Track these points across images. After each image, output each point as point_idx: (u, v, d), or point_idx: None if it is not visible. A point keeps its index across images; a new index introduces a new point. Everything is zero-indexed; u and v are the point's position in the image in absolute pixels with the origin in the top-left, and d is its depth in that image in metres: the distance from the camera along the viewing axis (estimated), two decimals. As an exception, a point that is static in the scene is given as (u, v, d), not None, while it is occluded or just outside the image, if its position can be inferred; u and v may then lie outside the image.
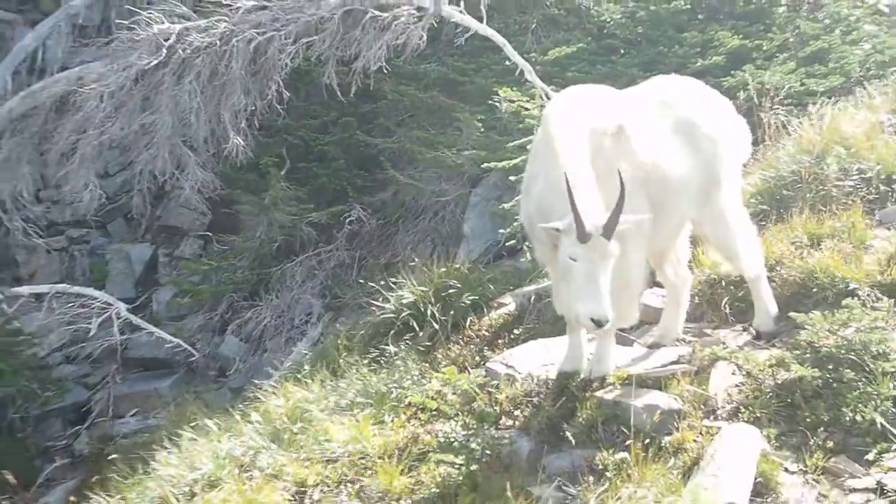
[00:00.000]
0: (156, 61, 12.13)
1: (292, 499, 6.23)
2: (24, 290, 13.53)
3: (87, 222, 15.44)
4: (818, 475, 5.41)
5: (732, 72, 10.68)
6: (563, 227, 5.46)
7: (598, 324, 5.47)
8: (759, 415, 5.84)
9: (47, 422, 13.14)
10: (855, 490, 5.28)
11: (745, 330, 6.87)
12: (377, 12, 11.49)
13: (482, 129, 11.03)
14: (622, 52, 11.69)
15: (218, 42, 11.96)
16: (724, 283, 7.28)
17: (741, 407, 5.94)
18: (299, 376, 8.28)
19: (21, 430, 12.80)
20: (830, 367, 5.83)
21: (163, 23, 12.25)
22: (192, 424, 8.01)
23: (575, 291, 5.56)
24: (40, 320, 13.33)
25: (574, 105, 6.06)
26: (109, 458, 9.80)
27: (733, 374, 6.24)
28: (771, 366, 6.07)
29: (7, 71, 15.45)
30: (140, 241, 15.55)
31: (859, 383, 5.70)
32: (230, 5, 12.14)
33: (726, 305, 7.18)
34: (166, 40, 12.08)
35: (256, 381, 9.33)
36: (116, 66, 12.55)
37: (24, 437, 12.70)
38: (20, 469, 11.66)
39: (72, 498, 8.92)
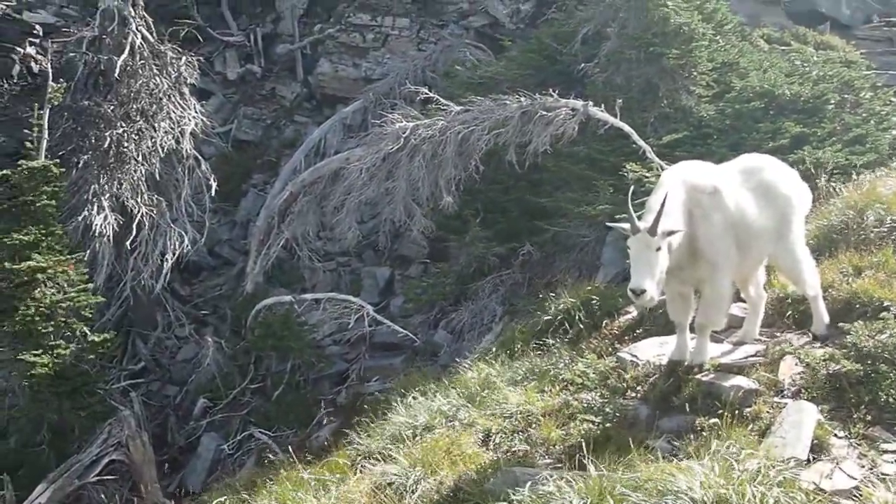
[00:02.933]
0: (396, 147, 12.40)
1: (482, 441, 6.21)
2: (308, 296, 13.98)
3: (349, 252, 15.72)
4: (859, 440, 5.13)
5: (795, 151, 10.21)
6: (627, 227, 5.40)
7: (634, 293, 5.28)
8: (815, 395, 5.56)
9: (320, 383, 13.35)
10: (887, 451, 5.01)
11: (805, 334, 6.50)
12: (544, 112, 11.45)
13: (612, 192, 10.82)
14: (715, 137, 11.31)
15: (437, 133, 12.13)
16: (789, 300, 6.92)
17: (802, 389, 5.66)
18: (487, 358, 8.27)
19: (303, 388, 13.08)
20: (869, 362, 5.54)
21: (402, 122, 12.52)
22: (416, 388, 8.08)
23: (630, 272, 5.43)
24: (318, 316, 13.73)
25: (682, 172, 5.91)
26: (361, 408, 9.97)
27: (796, 365, 5.94)
28: (825, 360, 5.76)
29: (301, 154, 16.16)
30: (382, 265, 15.72)
31: (891, 374, 5.40)
32: (446, 109, 12.31)
33: (791, 316, 6.83)
34: (404, 133, 12.34)
35: (458, 361, 9.37)
36: (371, 150, 12.90)
37: (305, 393, 12.97)
38: (301, 415, 12.00)
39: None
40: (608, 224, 6.36)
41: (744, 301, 6.75)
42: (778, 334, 6.65)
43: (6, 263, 11.02)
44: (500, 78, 14.10)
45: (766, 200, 5.96)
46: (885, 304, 6.22)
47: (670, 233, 5.37)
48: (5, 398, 11.49)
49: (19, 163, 11.79)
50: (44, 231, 11.47)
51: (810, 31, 17.21)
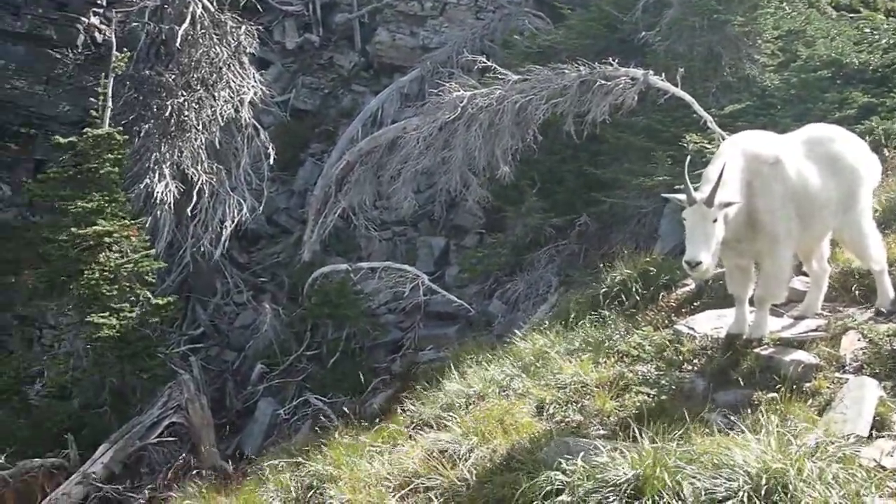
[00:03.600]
0: (453, 116, 12.38)
1: (535, 411, 6.19)
2: (364, 265, 14.09)
3: (405, 222, 15.77)
4: (923, 418, 4.95)
5: (863, 121, 9.88)
6: (683, 197, 5.34)
7: (689, 265, 5.22)
8: (878, 371, 5.42)
9: (375, 351, 13.47)
10: (955, 431, 4.81)
11: (868, 308, 6.33)
12: (603, 81, 11.30)
13: (671, 163, 10.63)
14: (779, 107, 11.00)
15: (494, 103, 12.06)
16: (854, 274, 6.74)
17: (864, 364, 5.52)
18: (541, 328, 8.23)
19: (358, 356, 13.20)
20: (935, 339, 5.35)
21: (459, 91, 12.46)
22: (470, 357, 8.08)
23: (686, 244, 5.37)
24: (374, 285, 13.85)
25: (742, 141, 5.78)
26: (415, 376, 10.02)
27: (859, 340, 5.79)
28: (889, 335, 5.61)
29: (359, 123, 16.19)
30: (438, 235, 15.72)
31: (958, 352, 5.20)
32: (503, 78, 12.22)
33: (855, 290, 6.64)
34: (461, 102, 12.30)
35: (513, 331, 9.35)
36: (428, 120, 12.91)
37: (359, 360, 13.06)
38: (356, 382, 12.14)
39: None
40: (664, 195, 6.26)
41: (806, 274, 6.60)
42: (840, 309, 6.48)
43: (73, 228, 11.34)
44: (558, 47, 13.92)
45: (831, 172, 5.79)
46: (954, 279, 6.04)
47: (727, 204, 5.27)
48: (70, 360, 11.86)
49: (84, 130, 12.08)
50: (107, 198, 11.76)
51: (882, -3, 16.59)
